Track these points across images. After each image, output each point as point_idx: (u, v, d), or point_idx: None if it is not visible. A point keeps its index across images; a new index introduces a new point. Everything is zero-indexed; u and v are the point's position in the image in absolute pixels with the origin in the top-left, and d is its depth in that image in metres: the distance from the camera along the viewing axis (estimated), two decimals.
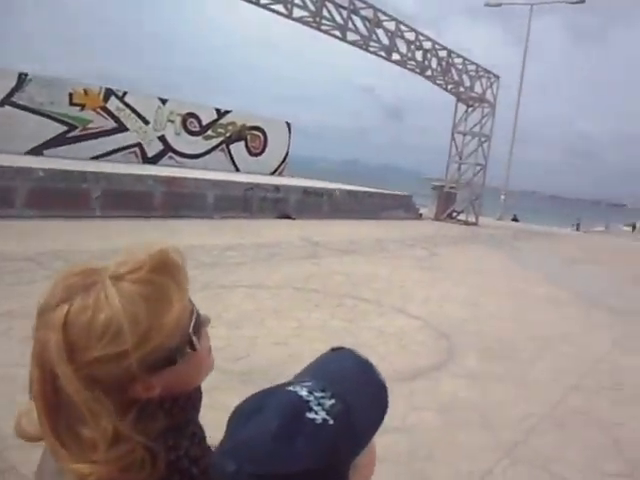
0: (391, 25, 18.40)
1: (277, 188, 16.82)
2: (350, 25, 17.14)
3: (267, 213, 16.05)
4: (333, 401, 0.71)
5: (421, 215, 23.51)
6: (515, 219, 34.50)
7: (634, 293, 10.86)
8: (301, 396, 0.70)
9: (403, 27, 18.84)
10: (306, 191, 17.81)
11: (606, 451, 4.09)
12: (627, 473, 3.83)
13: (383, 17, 18.06)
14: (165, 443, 0.81)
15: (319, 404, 0.69)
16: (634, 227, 74.53)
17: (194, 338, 0.84)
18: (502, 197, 29.96)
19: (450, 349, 6.00)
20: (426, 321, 6.98)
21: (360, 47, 18.45)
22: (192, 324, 0.84)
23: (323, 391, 0.72)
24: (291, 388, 0.72)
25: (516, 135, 30.12)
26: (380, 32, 18.15)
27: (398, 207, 21.78)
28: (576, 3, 28.29)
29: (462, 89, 22.63)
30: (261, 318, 6.28)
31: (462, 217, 23.57)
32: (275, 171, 23.29)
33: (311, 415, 0.68)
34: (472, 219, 23.29)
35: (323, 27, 17.16)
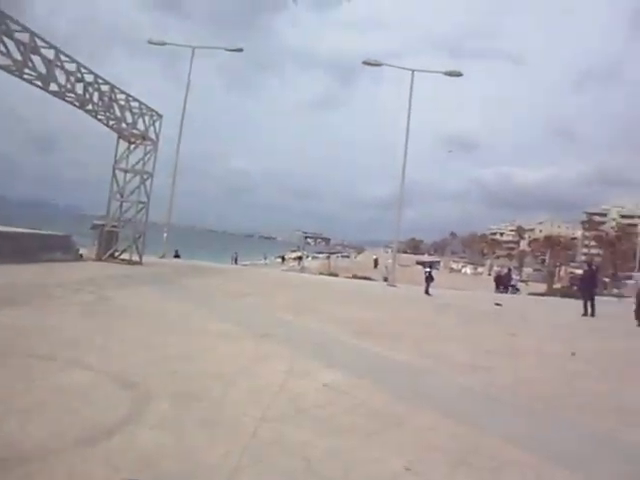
0: (50, 53, 17.21)
1: None
2: (1, 48, 15.53)
3: None
4: None
5: (82, 256, 22.31)
6: (177, 255, 35.11)
7: (293, 321, 11.93)
8: None
9: (63, 57, 17.80)
10: None
11: (301, 473, 4.38)
12: None
13: (41, 43, 16.78)
14: None
15: None
16: (283, 259, 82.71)
17: None
18: (165, 234, 30.24)
19: (140, 397, 5.76)
20: (109, 371, 6.58)
21: (12, 73, 16.74)
22: None
23: None
24: None
25: (178, 171, 30.87)
26: (37, 59, 16.81)
27: (56, 248, 20.27)
28: (234, 51, 30.49)
29: (124, 126, 22.33)
30: None
31: (126, 256, 23.05)
32: None
33: None
34: (136, 258, 22.95)
35: None
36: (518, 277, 47.25)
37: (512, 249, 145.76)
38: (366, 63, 28.22)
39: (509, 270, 46.00)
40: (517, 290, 43.93)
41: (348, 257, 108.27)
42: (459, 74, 28.23)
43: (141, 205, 23.53)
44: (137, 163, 23.46)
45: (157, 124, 23.96)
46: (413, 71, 27.88)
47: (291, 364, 7.86)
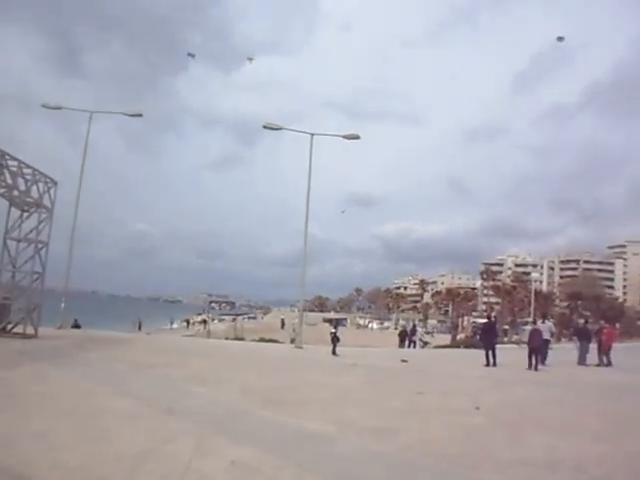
0: None
1: None
2: None
3: None
4: None
5: None
6: (77, 325, 33.55)
7: (198, 393, 11.62)
8: None
9: None
10: None
11: None
12: None
13: None
14: None
15: None
16: (188, 323, 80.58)
17: None
18: (62, 304, 28.87)
19: None
20: None
21: None
22: None
23: None
24: None
25: (77, 236, 29.88)
26: None
27: None
28: (133, 116, 30.26)
29: (17, 193, 21.41)
30: None
31: (19, 329, 21.74)
32: None
33: None
34: (31, 331, 21.70)
35: None
36: (424, 329, 48.40)
37: (417, 302, 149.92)
38: (266, 127, 28.82)
39: (414, 325, 47.14)
40: (426, 343, 44.95)
41: (255, 318, 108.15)
42: (357, 137, 29.29)
43: (36, 275, 22.41)
44: (31, 232, 22.43)
45: (52, 191, 23.12)
46: (312, 135, 28.71)
47: (197, 441, 7.61)
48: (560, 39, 50.55)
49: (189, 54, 55.46)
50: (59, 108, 29.24)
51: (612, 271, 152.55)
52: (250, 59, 60.16)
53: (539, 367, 20.57)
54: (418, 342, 41.24)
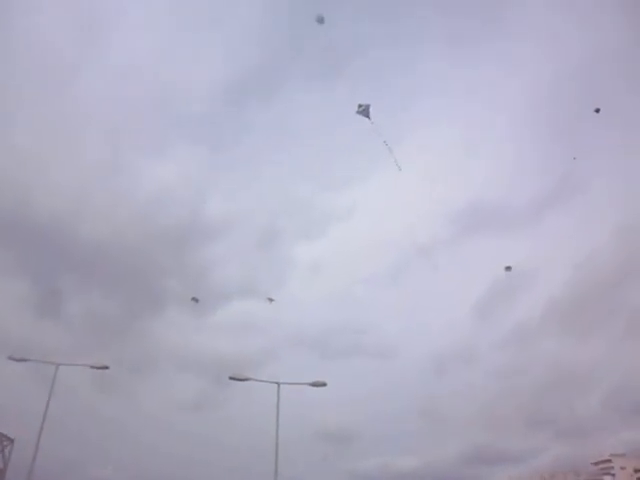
0: None
1: None
2: None
3: None
4: None
5: None
6: None
7: None
8: None
9: None
10: None
11: None
12: None
13: None
14: None
15: None
16: None
17: None
18: None
19: None
20: None
21: None
22: None
23: None
24: None
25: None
26: None
27: None
28: (99, 368, 30.75)
29: None
30: None
31: None
32: None
33: None
34: None
35: None
36: None
37: None
38: (233, 378, 29.35)
39: None
40: None
41: None
42: (323, 384, 29.66)
43: None
44: None
45: (8, 449, 22.44)
46: (279, 384, 29.12)
47: None
48: (508, 269, 54.11)
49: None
50: (25, 360, 29.86)
51: None
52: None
53: None
54: None
